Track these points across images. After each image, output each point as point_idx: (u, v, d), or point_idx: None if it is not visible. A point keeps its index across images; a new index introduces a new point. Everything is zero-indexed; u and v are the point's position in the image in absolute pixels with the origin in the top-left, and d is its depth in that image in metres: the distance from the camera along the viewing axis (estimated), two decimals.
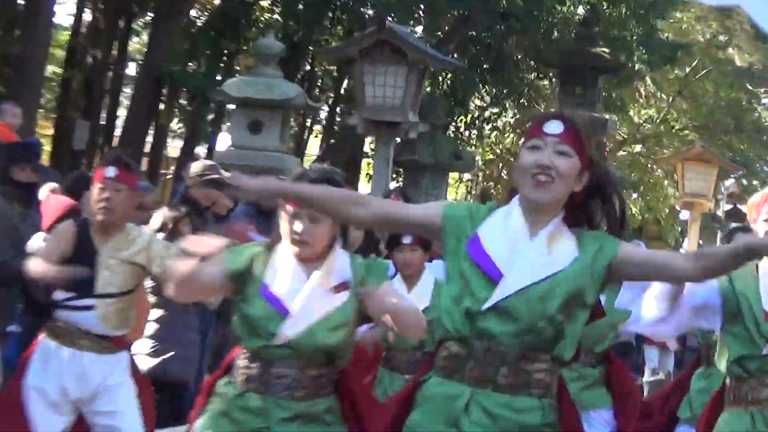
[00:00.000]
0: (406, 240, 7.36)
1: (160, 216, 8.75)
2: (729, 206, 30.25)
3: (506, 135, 34.14)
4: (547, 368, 4.22)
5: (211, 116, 24.60)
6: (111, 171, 6.31)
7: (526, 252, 4.19)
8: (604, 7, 27.75)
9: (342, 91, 29.09)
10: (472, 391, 4.20)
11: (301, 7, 23.34)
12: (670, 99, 34.55)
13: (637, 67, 28.18)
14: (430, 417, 4.34)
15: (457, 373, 4.25)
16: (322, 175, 5.05)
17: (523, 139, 4.40)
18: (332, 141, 28.75)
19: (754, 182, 35.43)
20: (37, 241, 7.44)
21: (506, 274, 4.13)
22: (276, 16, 26.12)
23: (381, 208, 4.55)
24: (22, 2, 20.23)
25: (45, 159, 18.36)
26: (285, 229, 4.86)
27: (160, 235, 7.66)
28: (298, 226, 4.80)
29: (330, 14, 25.08)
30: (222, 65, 26.25)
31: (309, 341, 4.74)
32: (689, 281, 4.97)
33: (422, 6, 26.24)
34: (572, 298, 4.19)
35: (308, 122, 30.31)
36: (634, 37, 28.08)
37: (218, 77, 23.31)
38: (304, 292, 4.76)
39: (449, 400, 4.27)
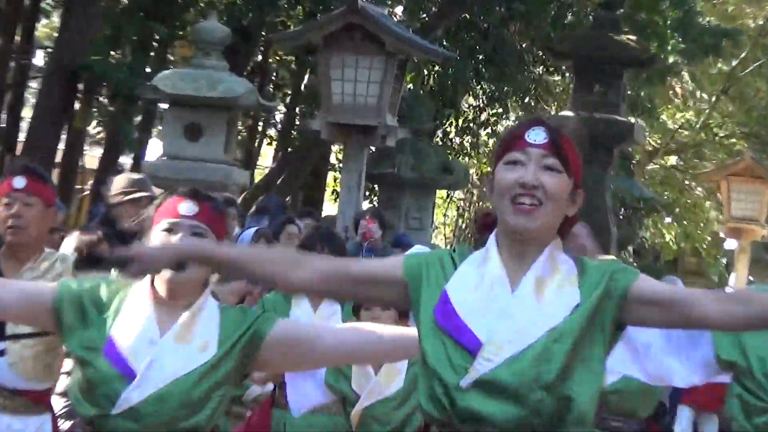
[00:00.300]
0: None
1: (72, 241, 8.76)
2: None
3: None
4: None
5: (138, 118, 24.68)
6: (19, 181, 6.12)
7: (509, 309, 4.10)
8: None
9: (302, 87, 29.50)
10: None
11: None
12: (713, 99, 34.95)
13: (671, 59, 28.60)
14: None
15: None
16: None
17: (498, 154, 4.29)
18: (290, 150, 29.10)
19: None
20: None
21: (486, 341, 4.06)
22: None
23: (326, 266, 4.50)
24: None
25: None
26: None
27: None
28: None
29: None
30: (152, 55, 26.49)
31: (158, 411, 4.78)
32: (719, 329, 4.98)
33: None
34: (576, 358, 4.11)
35: (260, 126, 30.75)
36: (668, 22, 28.20)
37: (148, 70, 23.55)
38: (158, 346, 4.80)
39: None
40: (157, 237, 4.87)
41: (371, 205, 19.70)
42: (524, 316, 4.04)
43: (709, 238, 34.36)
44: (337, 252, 7.90)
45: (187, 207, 4.84)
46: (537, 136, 4.12)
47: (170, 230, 4.78)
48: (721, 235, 29.36)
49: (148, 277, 4.84)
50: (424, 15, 27.80)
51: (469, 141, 32.51)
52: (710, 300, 4.11)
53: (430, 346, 4.17)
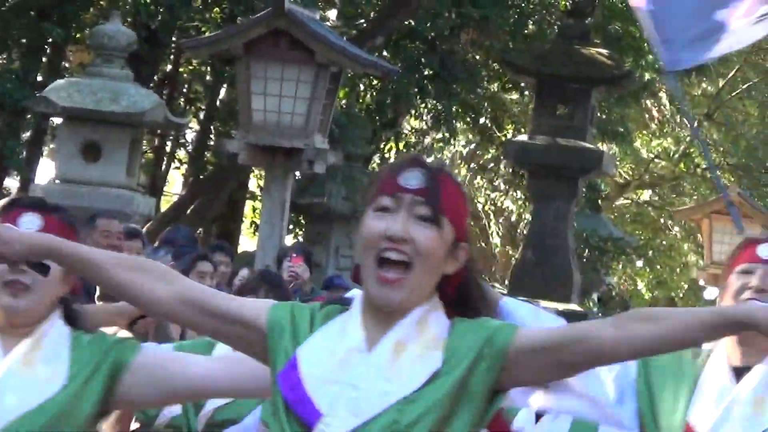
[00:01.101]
0: None
1: None
2: None
3: (457, 170, 34.74)
4: None
5: (27, 134, 24.63)
6: (31, 221, 5.31)
7: (359, 378, 4.09)
8: None
9: (218, 102, 29.73)
10: None
11: None
12: (695, 124, 34.67)
13: (647, 76, 29.02)
14: None
15: None
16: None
17: (368, 198, 4.15)
18: (202, 175, 29.32)
19: None
20: None
21: (325, 414, 4.04)
22: None
23: (189, 291, 4.41)
24: None
25: None
26: None
27: None
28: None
29: None
30: (44, 61, 26.49)
31: None
32: (623, 358, 4.68)
33: None
34: (431, 430, 4.05)
35: (168, 146, 30.96)
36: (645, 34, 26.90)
37: (39, 78, 23.57)
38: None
39: None
40: None
41: (296, 241, 19.83)
42: (374, 386, 4.03)
43: (686, 286, 34.81)
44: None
45: (28, 220, 4.83)
46: (411, 179, 4.03)
47: None
48: (701, 282, 30.03)
49: None
50: (362, 21, 28.01)
51: None
52: (607, 326, 4.00)
53: (270, 416, 4.50)
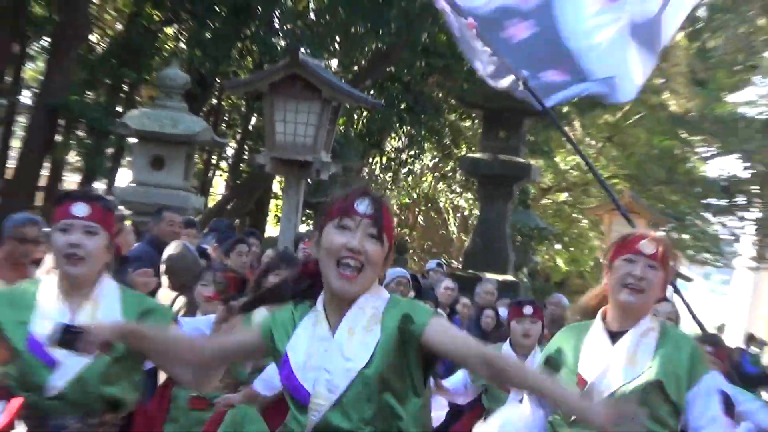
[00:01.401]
0: (527, 311, 8.22)
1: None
2: None
3: (424, 179, 34.32)
4: None
5: (110, 150, 24.46)
6: (81, 208, 4.88)
7: (327, 361, 4.20)
8: None
9: (250, 127, 29.31)
10: None
11: (208, 35, 23.36)
12: (599, 145, 34.59)
13: (565, 110, 28.22)
14: None
15: None
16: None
17: (328, 215, 4.29)
18: (238, 180, 28.86)
19: (684, 236, 35.93)
20: None
21: (312, 394, 4.18)
22: (181, 44, 26.00)
23: (214, 345, 4.65)
24: None
25: None
26: (57, 246, 4.77)
27: None
28: (72, 238, 4.76)
29: (239, 44, 25.09)
30: (123, 96, 26.08)
31: (81, 391, 4.74)
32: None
33: (338, 39, 26.53)
34: (387, 390, 4.18)
35: (214, 159, 30.42)
36: None
37: (119, 109, 23.14)
38: None
39: None
40: (54, 237, 4.79)
41: (308, 229, 19.69)
42: (339, 365, 4.14)
43: (592, 263, 34.25)
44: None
45: (78, 208, 4.76)
46: (365, 207, 4.19)
47: (65, 230, 4.69)
48: (602, 260, 27.86)
49: (55, 274, 4.85)
50: (356, 68, 27.49)
51: (391, 176, 32.08)
52: (476, 362, 4.18)
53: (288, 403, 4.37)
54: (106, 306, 4.84)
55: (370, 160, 30.26)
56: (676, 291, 10.11)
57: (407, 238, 32.56)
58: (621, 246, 5.31)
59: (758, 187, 35.44)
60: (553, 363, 5.47)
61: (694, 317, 10.17)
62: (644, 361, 5.17)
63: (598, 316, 5.35)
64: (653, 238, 5.29)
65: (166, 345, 4.62)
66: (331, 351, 4.14)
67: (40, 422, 4.72)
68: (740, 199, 36.02)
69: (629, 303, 5.17)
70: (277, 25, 25.18)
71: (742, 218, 36.70)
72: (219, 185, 33.21)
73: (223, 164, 31.65)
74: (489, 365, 4.13)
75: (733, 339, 27.35)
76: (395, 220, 33.35)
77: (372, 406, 4.11)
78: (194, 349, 4.61)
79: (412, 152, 31.39)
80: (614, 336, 5.28)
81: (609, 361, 5.27)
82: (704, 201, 36.59)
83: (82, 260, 4.77)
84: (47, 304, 4.79)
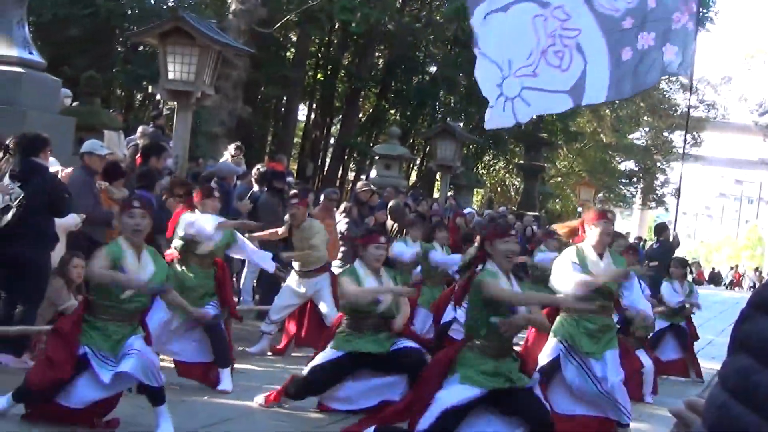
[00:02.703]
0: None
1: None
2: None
3: None
4: None
5: None
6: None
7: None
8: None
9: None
10: None
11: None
12: (574, 157, 47.48)
13: (560, 141, 39.20)
14: None
15: None
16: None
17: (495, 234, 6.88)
18: None
19: (611, 195, 50.70)
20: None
21: None
22: None
23: None
24: None
25: None
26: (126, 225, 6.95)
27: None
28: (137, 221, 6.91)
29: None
30: None
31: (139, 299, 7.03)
32: None
33: None
34: None
35: None
36: (558, 130, 36.55)
37: None
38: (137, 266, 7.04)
39: None
40: None
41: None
42: None
43: (573, 208, 46.32)
44: None
45: None
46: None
47: None
48: (578, 207, 36.93)
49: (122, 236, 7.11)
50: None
51: None
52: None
53: None
54: (148, 257, 7.30)
55: None
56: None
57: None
58: (600, 215, 8.32)
59: (640, 178, 51.08)
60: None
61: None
62: (614, 267, 8.16)
63: (585, 244, 8.33)
64: (611, 212, 8.37)
65: None
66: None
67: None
68: (634, 180, 51.91)
69: (607, 242, 8.32)
70: None
71: (635, 185, 52.57)
72: None
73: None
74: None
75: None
76: None
77: None
78: None
79: None
80: (600, 256, 8.32)
81: (600, 268, 8.23)
82: (620, 180, 50.69)
83: (140, 233, 7.23)
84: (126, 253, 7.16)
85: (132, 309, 7.11)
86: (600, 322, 8.34)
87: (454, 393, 6.74)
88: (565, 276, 8.27)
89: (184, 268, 9.28)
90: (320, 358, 8.44)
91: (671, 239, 16.13)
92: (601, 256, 8.40)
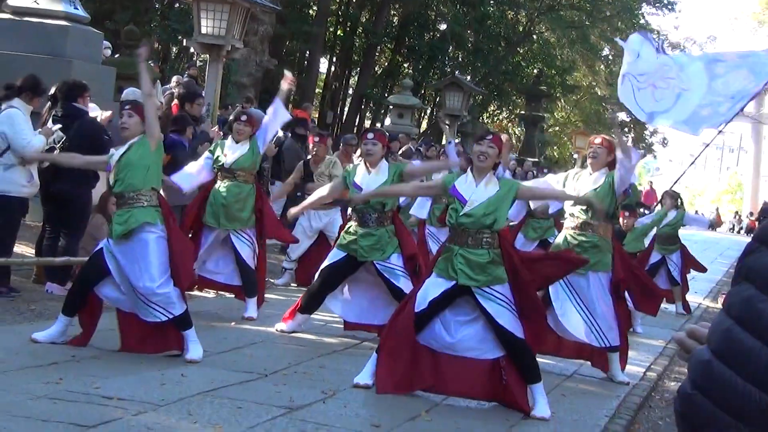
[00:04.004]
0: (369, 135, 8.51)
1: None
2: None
3: None
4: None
5: None
6: None
7: (473, 192, 6.72)
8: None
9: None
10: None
11: None
12: (570, 109, 48.10)
13: (558, 94, 39.47)
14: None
15: None
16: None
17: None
18: None
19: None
20: None
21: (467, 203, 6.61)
22: None
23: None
24: None
25: None
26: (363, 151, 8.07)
27: None
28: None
29: None
30: None
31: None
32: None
33: None
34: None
35: None
36: (557, 83, 37.09)
37: None
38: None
39: None
40: None
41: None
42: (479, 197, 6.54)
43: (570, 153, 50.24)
44: None
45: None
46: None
47: None
48: (574, 154, 35.15)
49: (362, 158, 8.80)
50: None
51: None
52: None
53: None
54: None
55: None
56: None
57: None
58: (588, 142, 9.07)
59: (631, 128, 46.98)
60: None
61: None
62: (599, 181, 8.19)
63: (578, 167, 10.07)
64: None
65: None
66: (475, 191, 6.64)
67: None
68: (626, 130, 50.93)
69: (592, 163, 8.30)
70: None
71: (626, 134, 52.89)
72: None
73: None
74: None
75: None
76: None
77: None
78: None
79: None
80: (591, 174, 8.27)
81: (588, 184, 8.25)
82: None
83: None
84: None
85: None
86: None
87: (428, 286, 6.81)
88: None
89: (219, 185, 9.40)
90: (325, 262, 8.52)
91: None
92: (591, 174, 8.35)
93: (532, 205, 10.73)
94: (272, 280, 11.64)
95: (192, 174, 9.16)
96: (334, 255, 8.40)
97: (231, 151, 9.31)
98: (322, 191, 8.64)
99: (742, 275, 1.64)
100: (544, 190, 8.21)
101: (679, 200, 14.16)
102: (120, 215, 7.07)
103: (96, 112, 10.01)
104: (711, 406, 1.59)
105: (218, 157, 9.31)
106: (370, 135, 8.44)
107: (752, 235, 1.75)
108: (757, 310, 1.56)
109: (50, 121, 9.29)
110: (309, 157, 12.08)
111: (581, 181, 8.28)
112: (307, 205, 8.90)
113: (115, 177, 7.13)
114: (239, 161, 9.27)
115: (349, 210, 8.71)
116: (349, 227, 8.39)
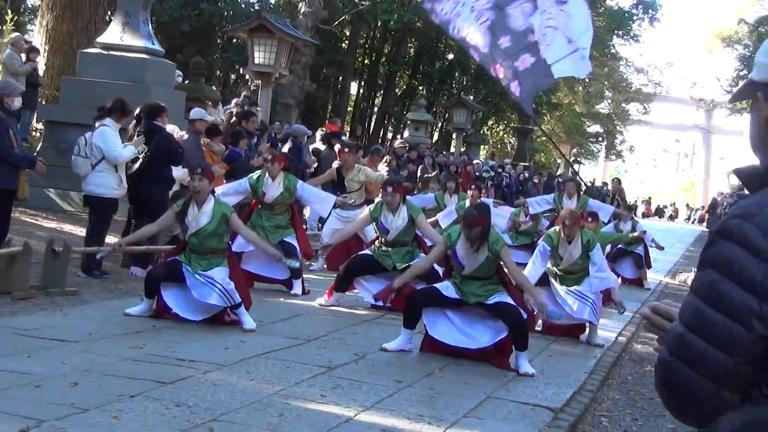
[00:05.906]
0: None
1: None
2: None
3: None
4: None
5: None
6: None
7: None
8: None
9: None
10: None
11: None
12: (555, 122, 45.05)
13: (544, 110, 37.30)
14: None
15: None
16: None
17: None
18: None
19: (582, 151, 49.09)
20: None
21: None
22: None
23: None
24: None
25: None
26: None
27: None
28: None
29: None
30: None
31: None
32: None
33: None
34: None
35: None
36: (544, 102, 34.36)
37: None
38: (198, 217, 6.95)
39: None
40: None
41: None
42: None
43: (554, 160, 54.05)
44: None
45: None
46: None
47: None
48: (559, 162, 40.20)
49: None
50: None
51: None
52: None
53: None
54: (208, 209, 7.12)
55: None
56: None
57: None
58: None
59: (604, 138, 50.48)
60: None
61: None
62: (577, 245, 7.84)
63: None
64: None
65: None
66: None
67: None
68: (599, 139, 51.50)
69: (568, 234, 7.79)
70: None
71: (600, 143, 52.27)
72: None
73: None
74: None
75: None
76: None
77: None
78: None
79: None
80: (569, 242, 7.92)
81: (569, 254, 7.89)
82: (589, 139, 49.57)
83: (199, 195, 7.02)
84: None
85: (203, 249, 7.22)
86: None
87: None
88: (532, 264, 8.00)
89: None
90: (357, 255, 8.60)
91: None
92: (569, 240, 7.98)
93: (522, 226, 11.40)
94: (310, 262, 11.35)
95: (230, 198, 8.94)
96: (365, 252, 8.52)
97: (268, 191, 9.11)
98: (349, 228, 8.96)
99: (706, 263, 1.68)
100: (519, 275, 6.89)
101: (632, 212, 14.15)
102: (198, 263, 7.11)
103: (173, 130, 10.02)
104: (687, 370, 1.64)
105: (257, 191, 9.14)
106: (389, 188, 8.28)
107: (712, 230, 1.80)
108: (720, 291, 1.61)
109: (135, 136, 9.33)
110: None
111: (568, 252, 7.98)
112: (338, 237, 8.94)
113: (197, 239, 7.14)
114: (277, 199, 9.13)
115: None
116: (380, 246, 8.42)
